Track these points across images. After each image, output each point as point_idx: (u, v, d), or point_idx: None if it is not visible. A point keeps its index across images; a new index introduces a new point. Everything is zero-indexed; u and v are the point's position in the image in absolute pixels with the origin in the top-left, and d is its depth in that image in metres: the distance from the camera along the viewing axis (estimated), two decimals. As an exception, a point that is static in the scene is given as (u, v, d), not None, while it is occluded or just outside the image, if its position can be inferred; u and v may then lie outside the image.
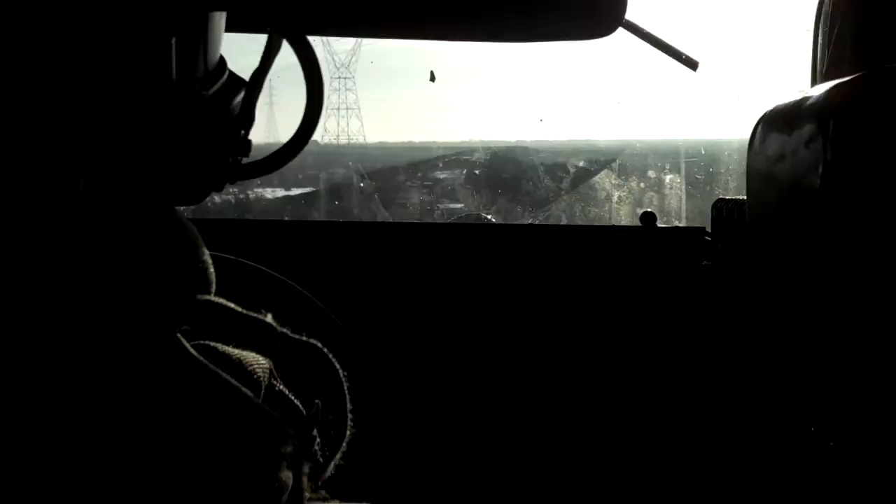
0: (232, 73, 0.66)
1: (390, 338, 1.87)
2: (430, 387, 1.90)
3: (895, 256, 1.03)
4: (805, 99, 1.20)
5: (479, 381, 1.91)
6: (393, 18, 0.80)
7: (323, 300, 1.30)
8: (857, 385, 1.11)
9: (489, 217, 3.19)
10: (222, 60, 0.66)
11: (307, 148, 0.76)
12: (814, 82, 1.79)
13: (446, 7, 0.79)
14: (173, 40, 0.55)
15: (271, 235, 2.01)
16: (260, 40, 0.71)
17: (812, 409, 1.24)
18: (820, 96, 1.16)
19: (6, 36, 0.49)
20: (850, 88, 1.13)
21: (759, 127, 1.35)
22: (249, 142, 0.68)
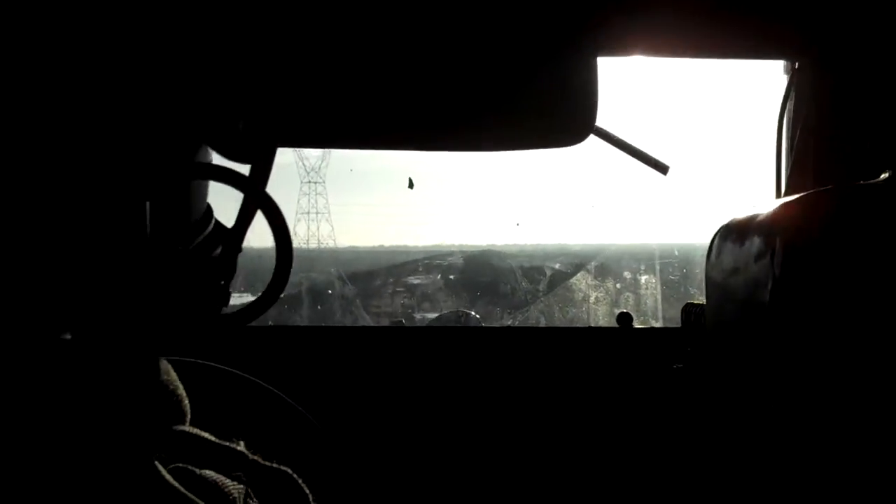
0: (218, 224, 0.68)
1: (374, 439, 1.89)
2: (414, 488, 1.91)
3: (841, 373, 1.07)
4: (756, 215, 1.25)
5: (459, 483, 1.92)
6: (370, 132, 0.82)
7: (310, 404, 1.32)
8: (822, 481, 1.13)
9: (472, 313, 3.22)
10: (209, 210, 0.69)
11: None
12: (778, 194, 1.84)
13: (420, 120, 0.80)
14: (147, 204, 0.59)
15: (257, 340, 2.03)
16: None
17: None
18: (770, 213, 1.21)
19: None
20: (801, 206, 1.18)
21: (716, 239, 1.39)
22: (229, 293, 0.70)
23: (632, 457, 1.88)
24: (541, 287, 3.41)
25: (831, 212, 1.12)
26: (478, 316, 3.18)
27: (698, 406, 1.74)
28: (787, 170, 1.84)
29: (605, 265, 3.50)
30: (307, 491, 0.68)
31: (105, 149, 0.57)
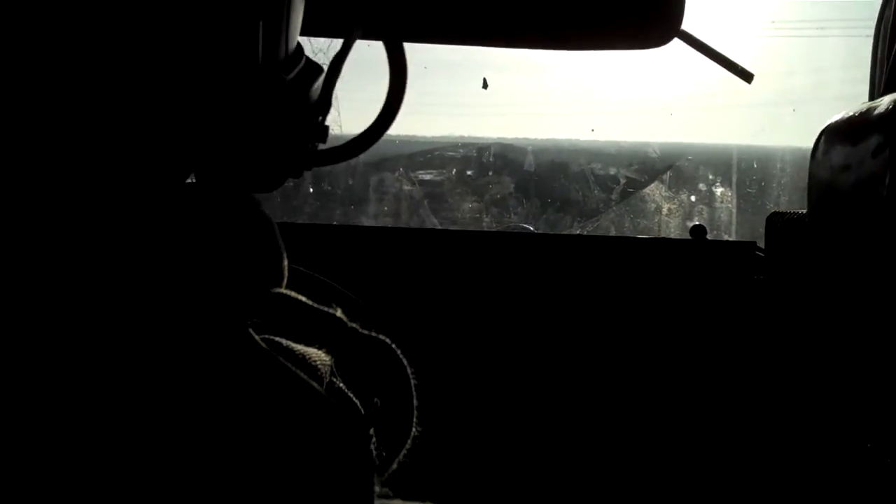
0: (309, 60, 0.66)
1: (439, 346, 1.87)
2: (479, 395, 1.89)
3: None
4: (871, 109, 1.18)
5: (528, 390, 1.90)
6: (457, 25, 0.82)
7: (372, 305, 1.30)
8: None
9: (531, 228, 3.18)
10: (299, 46, 0.66)
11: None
12: (872, 96, 1.76)
13: (514, 18, 0.80)
14: (260, 23, 0.55)
15: (322, 240, 2.02)
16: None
17: (870, 427, 1.22)
18: (887, 107, 1.14)
19: (96, 22, 0.49)
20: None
21: (822, 138, 1.33)
22: (327, 128, 0.68)
23: (708, 371, 1.83)
24: (613, 196, 3.34)
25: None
26: (533, 229, 3.14)
27: (781, 318, 1.69)
28: (881, 76, 1.77)
29: (680, 174, 3.41)
30: (405, 363, 0.66)
31: None
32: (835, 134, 1.28)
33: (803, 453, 1.52)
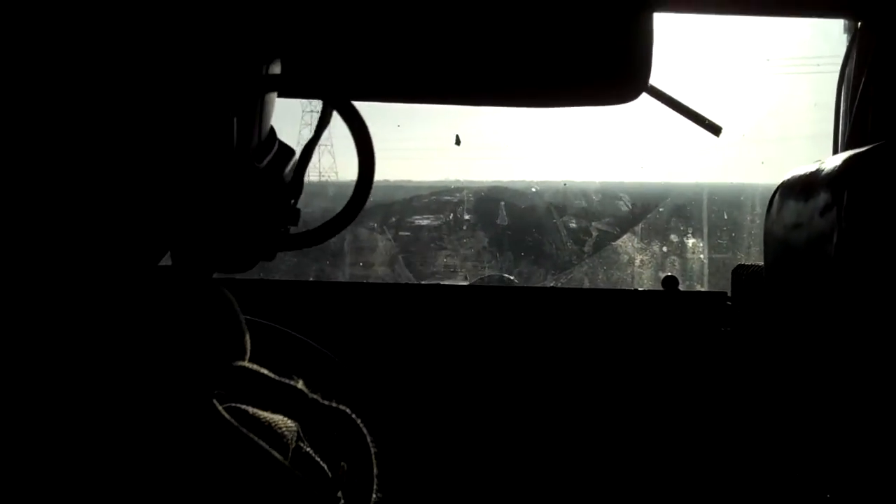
0: (282, 143, 0.68)
1: (413, 397, 1.88)
2: (452, 448, 1.90)
3: None
4: (821, 169, 1.22)
5: (501, 444, 1.91)
6: (425, 86, 0.83)
7: (348, 361, 1.31)
8: (876, 456, 1.11)
9: (511, 277, 3.20)
10: (272, 131, 0.68)
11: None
12: (835, 152, 1.81)
13: (475, 76, 0.80)
14: (234, 120, 0.58)
15: (297, 296, 2.03)
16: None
17: (828, 477, 1.24)
18: (836, 166, 1.18)
19: (78, 99, 0.52)
20: (866, 159, 1.15)
21: (777, 194, 1.36)
22: (298, 211, 0.69)
23: (678, 420, 1.85)
24: (586, 248, 3.38)
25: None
26: (514, 279, 3.16)
27: (747, 369, 1.71)
28: (843, 129, 1.81)
29: (652, 226, 3.45)
30: (365, 431, 0.67)
31: (192, 66, 0.56)
32: (788, 191, 1.32)
33: (775, 498, 1.54)
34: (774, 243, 1.36)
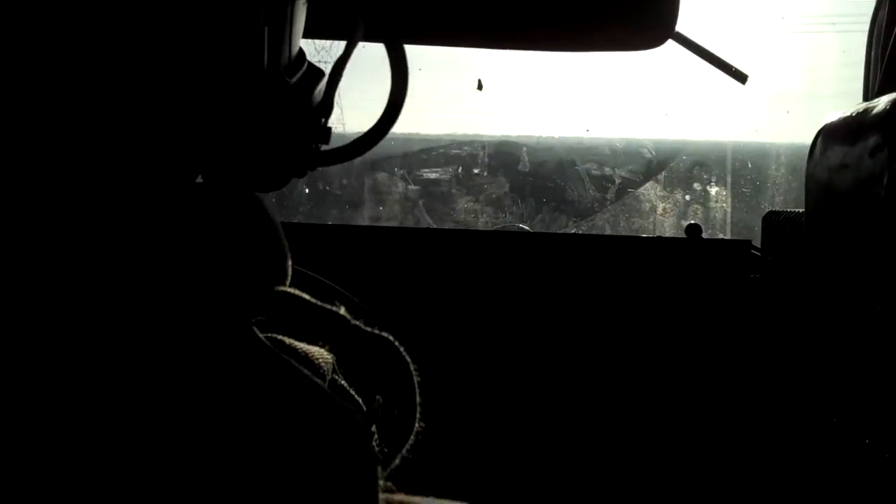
0: (311, 64, 0.67)
1: (435, 345, 1.87)
2: (475, 393, 1.90)
3: None
4: (868, 109, 1.18)
5: (525, 388, 1.91)
6: (450, 27, 0.83)
7: (369, 304, 1.30)
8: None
9: (527, 229, 3.19)
10: (302, 51, 0.68)
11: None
12: (866, 95, 1.77)
13: (509, 17, 0.80)
14: (266, 29, 0.56)
15: (317, 239, 2.02)
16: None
17: (866, 424, 1.22)
18: (885, 107, 1.15)
19: (98, 20, 0.49)
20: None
21: (819, 137, 1.33)
22: (329, 129, 0.70)
23: (704, 369, 1.84)
24: (609, 195, 3.35)
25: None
26: (528, 228, 3.15)
27: (778, 317, 1.69)
28: (874, 77, 1.78)
29: (675, 174, 3.42)
30: (409, 360, 0.67)
31: None
32: (832, 134, 1.29)
33: (801, 451, 1.52)
34: (817, 187, 1.33)
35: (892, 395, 1.13)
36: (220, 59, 0.54)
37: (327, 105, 0.68)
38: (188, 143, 0.55)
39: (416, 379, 0.68)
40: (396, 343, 0.67)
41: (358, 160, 0.80)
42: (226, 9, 0.54)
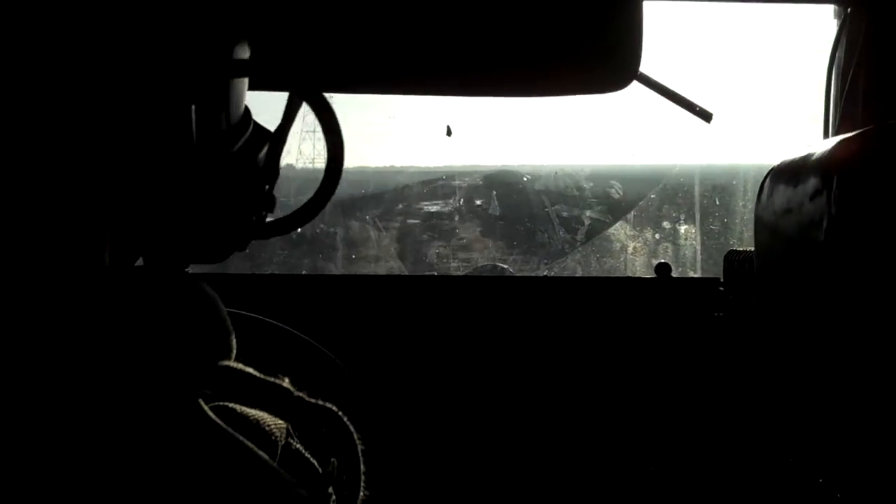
0: (257, 125, 0.67)
1: (407, 390, 1.88)
2: (446, 440, 1.90)
3: None
4: (810, 154, 1.22)
5: (496, 432, 1.92)
6: (407, 76, 0.80)
7: (340, 354, 1.31)
8: (867, 438, 1.11)
9: (506, 266, 3.20)
10: (247, 113, 0.68)
11: (285, 173, 0.77)
12: (826, 134, 1.82)
13: (460, 64, 0.78)
14: (193, 107, 0.57)
15: (288, 290, 2.03)
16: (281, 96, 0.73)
17: (821, 462, 1.24)
18: (826, 151, 1.18)
19: (28, 98, 0.51)
20: (856, 144, 1.15)
21: (768, 180, 1.37)
22: (274, 197, 0.69)
23: (674, 405, 1.86)
24: (578, 237, 3.38)
25: (891, 147, 1.09)
26: (510, 269, 3.17)
27: (740, 354, 1.72)
28: (834, 114, 1.83)
29: (644, 213, 3.45)
30: (352, 429, 0.67)
31: (144, 51, 0.55)
32: (778, 176, 1.32)
33: (764, 491, 1.54)
34: (764, 229, 1.37)
35: (839, 432, 1.15)
36: (146, 138, 0.55)
37: (271, 171, 0.68)
38: (127, 223, 0.56)
39: (360, 448, 0.69)
40: (339, 413, 0.67)
41: (303, 182, 0.79)
42: (153, 87, 0.54)
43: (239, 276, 2.06)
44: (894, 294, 1.03)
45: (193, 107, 0.56)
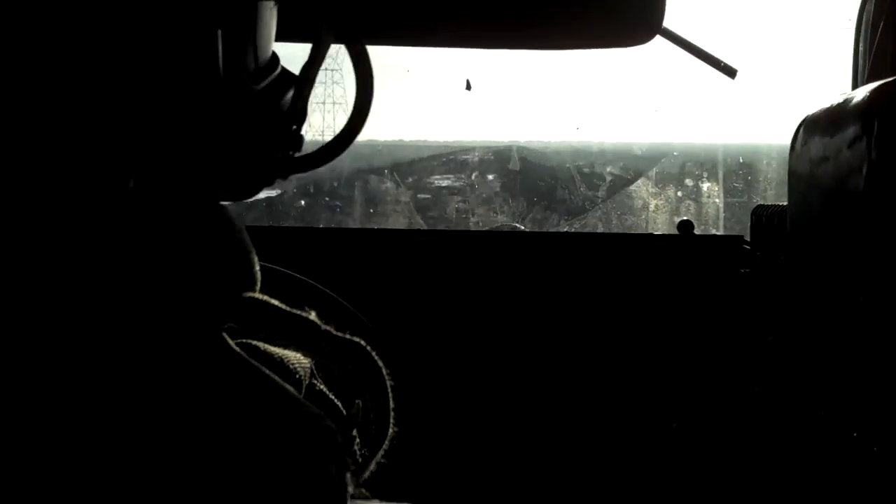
0: (284, 70, 0.66)
1: (426, 345, 1.87)
2: (465, 395, 1.90)
3: None
4: (848, 101, 1.19)
5: (515, 389, 1.91)
6: (442, 27, 0.81)
7: (358, 308, 1.30)
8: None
9: (520, 226, 3.20)
10: (275, 56, 0.66)
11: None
12: (855, 86, 1.77)
13: (489, 15, 0.79)
14: (219, 32, 0.55)
15: (308, 243, 2.02)
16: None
17: (854, 417, 1.22)
18: (863, 97, 1.15)
19: (53, 31, 0.49)
20: (891, 90, 1.12)
21: (801, 130, 1.33)
22: (301, 137, 0.68)
23: (695, 362, 1.84)
24: (599, 193, 3.36)
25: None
26: (524, 228, 3.16)
27: (767, 310, 1.69)
28: (863, 68, 1.79)
29: (666, 171, 3.43)
30: (381, 364, 0.66)
31: None
32: (813, 126, 1.29)
33: (794, 446, 1.52)
34: (799, 180, 1.33)
35: (877, 386, 1.13)
36: (170, 65, 0.53)
37: (299, 112, 0.67)
38: (155, 150, 0.55)
39: (388, 384, 0.68)
40: (368, 348, 0.66)
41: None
42: (175, 12, 0.53)
43: (257, 229, 2.05)
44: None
45: (220, 32, 0.55)
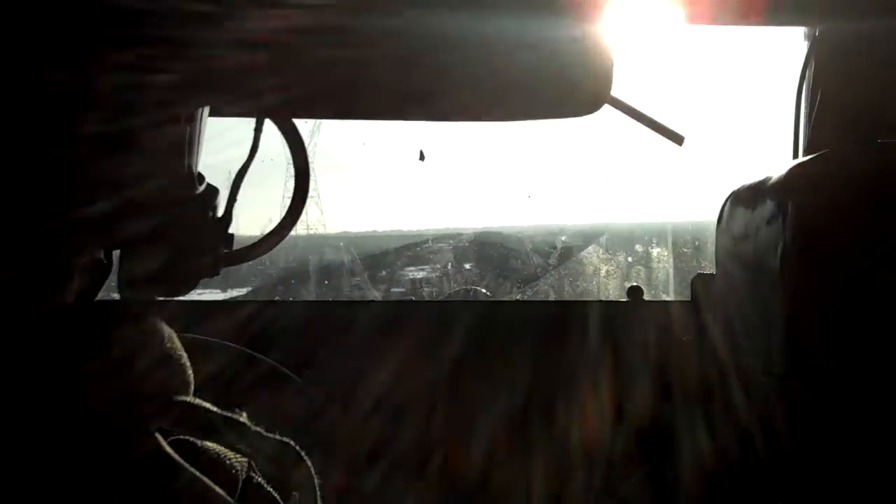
0: (209, 185, 0.68)
1: (385, 413, 1.88)
2: (427, 462, 1.90)
3: (855, 338, 1.05)
4: (769, 177, 1.23)
5: (475, 456, 1.91)
6: (379, 101, 0.80)
7: (314, 380, 1.31)
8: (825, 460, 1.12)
9: (482, 289, 3.21)
10: (200, 176, 0.69)
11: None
12: (795, 158, 1.83)
13: (431, 89, 0.77)
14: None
15: (263, 316, 2.02)
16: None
17: (786, 473, 1.25)
18: (782, 175, 1.19)
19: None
20: (810, 168, 1.16)
21: (727, 205, 1.38)
22: (232, 235, 0.70)
23: (641, 427, 1.86)
24: (551, 261, 3.39)
25: (845, 169, 1.10)
26: (486, 292, 3.18)
27: (706, 378, 1.73)
28: (804, 136, 1.83)
29: (616, 237, 3.48)
30: (309, 462, 0.68)
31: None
32: (737, 201, 1.33)
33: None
34: (724, 253, 1.38)
35: (792, 456, 1.16)
36: (142, 166, 0.57)
37: (228, 215, 0.70)
38: (102, 258, 0.57)
39: (317, 482, 0.69)
40: (296, 447, 0.67)
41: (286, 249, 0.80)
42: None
43: (210, 303, 2.06)
44: (847, 320, 1.04)
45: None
